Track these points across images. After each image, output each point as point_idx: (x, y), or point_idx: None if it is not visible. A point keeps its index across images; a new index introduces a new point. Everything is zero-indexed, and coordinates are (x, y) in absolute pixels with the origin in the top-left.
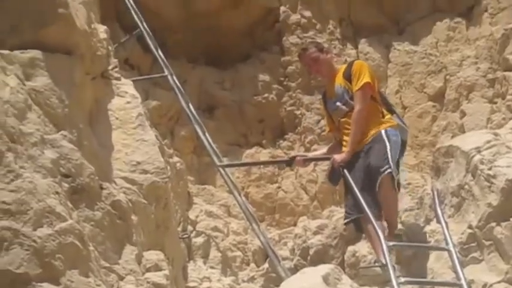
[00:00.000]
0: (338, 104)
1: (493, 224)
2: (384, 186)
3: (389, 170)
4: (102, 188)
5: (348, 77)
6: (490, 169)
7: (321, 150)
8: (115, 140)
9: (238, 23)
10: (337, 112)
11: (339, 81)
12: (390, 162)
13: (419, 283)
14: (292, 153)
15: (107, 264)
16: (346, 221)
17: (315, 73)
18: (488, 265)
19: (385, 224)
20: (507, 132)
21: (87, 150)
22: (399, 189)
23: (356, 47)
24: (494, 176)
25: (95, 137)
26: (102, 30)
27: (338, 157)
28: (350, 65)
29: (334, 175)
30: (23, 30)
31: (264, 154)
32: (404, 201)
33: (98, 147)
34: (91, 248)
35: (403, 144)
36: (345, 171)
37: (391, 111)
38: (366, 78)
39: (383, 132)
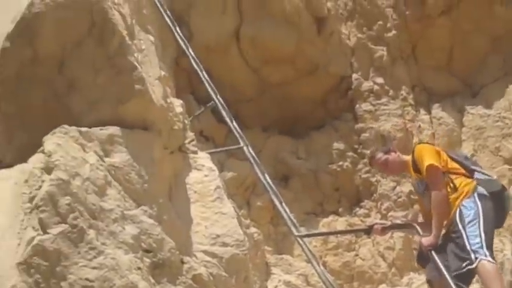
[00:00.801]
0: (425, 191)
1: None
2: (481, 278)
3: (473, 262)
4: (183, 262)
5: (416, 168)
6: None
7: (399, 217)
8: (194, 213)
9: (311, 92)
10: (426, 197)
11: (413, 175)
12: (472, 248)
13: None
14: (370, 221)
15: None
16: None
17: (391, 174)
18: None
19: None
20: None
21: (167, 224)
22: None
23: (429, 112)
24: None
25: (174, 211)
26: (178, 104)
27: (425, 241)
28: (412, 154)
29: (422, 257)
30: (101, 107)
31: (340, 222)
32: None
33: (178, 221)
34: None
35: (498, 195)
36: (433, 253)
37: (472, 171)
38: (427, 161)
39: (457, 213)
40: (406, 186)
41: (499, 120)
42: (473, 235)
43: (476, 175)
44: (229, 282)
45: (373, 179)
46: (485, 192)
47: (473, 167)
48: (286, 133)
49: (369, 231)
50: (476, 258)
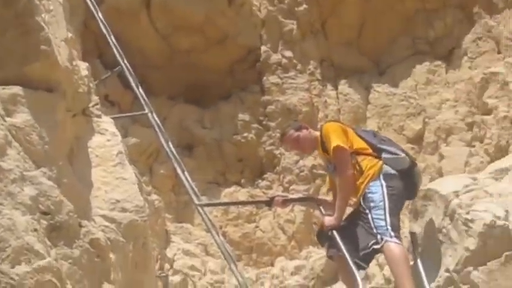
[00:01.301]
0: (334, 171)
1: (470, 268)
2: (386, 259)
3: (378, 242)
4: (81, 226)
5: (324, 148)
6: (467, 213)
7: (301, 191)
8: (95, 177)
9: (219, 62)
10: (335, 177)
11: (321, 154)
12: (378, 230)
13: None
14: (271, 194)
15: None
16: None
17: (302, 152)
18: None
19: None
20: (485, 177)
21: (66, 187)
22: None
23: (336, 88)
24: (471, 221)
25: (74, 175)
26: (83, 67)
27: (327, 221)
28: (321, 133)
29: (322, 235)
30: (6, 66)
31: (242, 193)
32: None
33: (78, 184)
34: (69, 286)
35: (407, 172)
36: (335, 233)
37: (379, 150)
38: (334, 142)
39: (363, 197)
40: (309, 161)
41: (404, 99)
42: (378, 218)
43: (384, 155)
44: (126, 247)
45: (277, 152)
46: (392, 171)
47: (380, 146)
48: (192, 102)
49: (270, 203)
50: (382, 239)
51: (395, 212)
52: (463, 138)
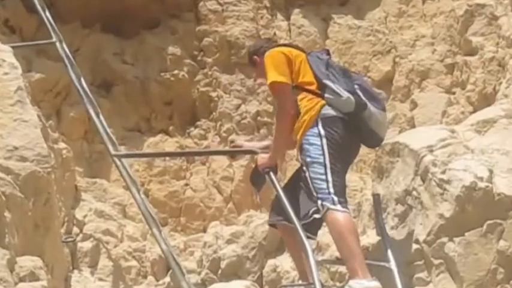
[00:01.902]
0: None
1: (445, 239)
2: (330, 232)
3: (319, 210)
4: None
5: None
6: (443, 173)
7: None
8: None
9: None
10: None
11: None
12: (318, 195)
13: None
14: (206, 144)
15: None
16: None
17: (258, 78)
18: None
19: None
20: (466, 129)
21: None
22: None
23: (288, 19)
24: (448, 182)
25: None
26: None
27: (260, 159)
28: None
29: (255, 177)
30: None
31: (170, 143)
32: None
33: None
34: None
35: (354, 116)
36: (272, 176)
37: (323, 86)
38: (270, 77)
39: (300, 149)
40: (253, 105)
41: (371, 34)
42: (318, 178)
43: (326, 94)
44: (25, 204)
45: (214, 94)
46: (333, 113)
47: (325, 81)
48: (111, 31)
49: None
50: (323, 206)
51: (339, 169)
52: (441, 83)
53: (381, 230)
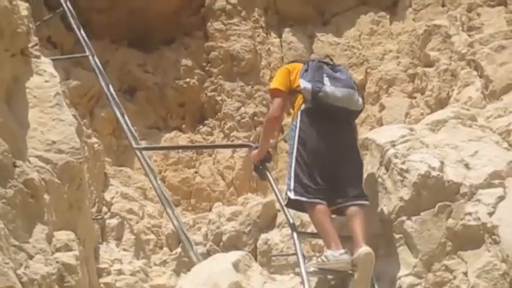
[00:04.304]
0: None
1: (404, 217)
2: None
3: (283, 200)
4: (15, 166)
5: None
6: (403, 163)
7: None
8: (31, 118)
9: (163, 6)
10: None
11: None
12: (286, 183)
13: (328, 273)
14: (212, 140)
15: (17, 243)
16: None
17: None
18: (397, 258)
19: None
20: (422, 128)
21: (2, 127)
22: None
23: (280, 36)
24: (407, 171)
25: (11, 115)
26: (23, 7)
27: (252, 154)
28: None
29: (258, 169)
30: None
31: (183, 139)
32: None
33: (14, 124)
34: (1, 225)
35: (317, 104)
36: (266, 166)
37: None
38: (271, 85)
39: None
40: (251, 108)
41: (348, 49)
42: (289, 165)
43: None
44: (61, 189)
45: (219, 98)
46: (306, 105)
47: (299, 80)
48: (135, 46)
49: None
50: (285, 194)
51: (306, 157)
52: (405, 90)
53: None
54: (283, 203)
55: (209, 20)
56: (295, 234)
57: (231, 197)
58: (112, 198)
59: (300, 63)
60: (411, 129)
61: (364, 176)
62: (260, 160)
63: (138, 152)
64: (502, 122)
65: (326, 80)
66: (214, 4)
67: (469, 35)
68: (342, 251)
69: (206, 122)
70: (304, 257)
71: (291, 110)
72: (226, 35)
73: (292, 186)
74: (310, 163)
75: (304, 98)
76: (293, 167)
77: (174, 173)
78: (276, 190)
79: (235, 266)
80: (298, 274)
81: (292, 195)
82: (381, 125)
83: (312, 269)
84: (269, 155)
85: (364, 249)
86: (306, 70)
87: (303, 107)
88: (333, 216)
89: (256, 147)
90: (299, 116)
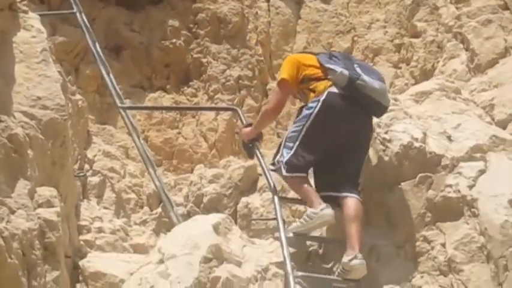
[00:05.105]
0: None
1: (385, 187)
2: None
3: (273, 165)
4: (0, 121)
5: None
6: (386, 133)
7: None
8: (17, 73)
9: None
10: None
11: None
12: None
13: (307, 238)
14: (196, 101)
15: None
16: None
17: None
18: (376, 227)
19: None
20: (407, 99)
21: None
22: None
23: (268, 1)
24: (389, 141)
25: None
26: None
27: (244, 132)
28: None
29: (247, 147)
30: None
31: (167, 99)
32: None
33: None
34: None
35: (350, 89)
36: (256, 147)
37: (327, 70)
38: (279, 75)
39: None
40: (236, 71)
41: (335, 16)
42: (291, 136)
43: (329, 75)
44: (45, 145)
45: (204, 60)
46: (336, 91)
47: (326, 65)
48: (122, 5)
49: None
50: (273, 164)
51: (319, 138)
52: (390, 59)
53: None
54: (270, 167)
55: None
56: (276, 199)
57: (213, 159)
58: (94, 156)
59: (309, 54)
60: (395, 100)
61: None
62: (250, 139)
63: (122, 111)
64: (486, 96)
65: (358, 70)
66: None
67: (457, 8)
68: (323, 205)
69: (191, 83)
70: (284, 222)
71: (299, 96)
72: None
73: (286, 160)
74: (316, 143)
75: (334, 83)
76: (296, 144)
77: (157, 133)
78: (265, 169)
79: (216, 228)
80: (278, 239)
81: (284, 172)
82: None
83: (291, 234)
84: (260, 134)
85: (359, 261)
86: (330, 58)
87: (332, 90)
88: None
89: (248, 125)
90: (325, 96)
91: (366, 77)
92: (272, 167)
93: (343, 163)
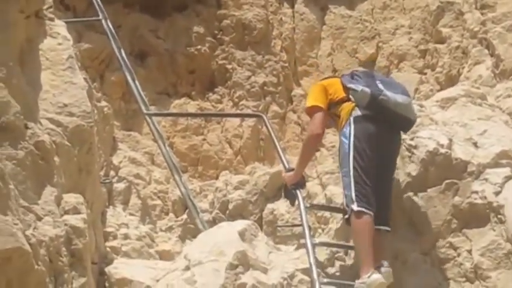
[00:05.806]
0: None
1: (410, 193)
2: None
3: (347, 213)
4: (26, 128)
5: None
6: (412, 139)
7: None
8: (44, 80)
9: None
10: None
11: None
12: (345, 197)
13: (334, 245)
14: (221, 108)
15: (26, 204)
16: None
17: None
18: (402, 234)
19: None
20: (432, 105)
21: (14, 88)
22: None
23: (292, 7)
24: (415, 147)
25: (24, 77)
26: None
27: (287, 177)
28: None
29: (286, 191)
30: None
31: (192, 105)
32: None
33: (26, 86)
34: (11, 186)
35: (375, 108)
36: (298, 194)
37: (348, 91)
38: (307, 103)
39: (339, 146)
40: (261, 77)
41: (360, 22)
42: (345, 176)
43: (350, 95)
44: (72, 152)
45: (229, 66)
46: (359, 113)
47: (348, 85)
48: (147, 12)
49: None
50: (347, 207)
51: (367, 166)
52: (415, 65)
53: None
54: (344, 216)
55: None
56: (302, 206)
57: (238, 165)
58: (120, 162)
59: (334, 78)
60: (421, 106)
61: None
62: (293, 184)
63: (147, 117)
64: None
65: (381, 86)
66: None
67: (482, 13)
68: (370, 271)
69: (216, 89)
70: (310, 228)
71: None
72: (238, 4)
73: (354, 197)
74: (367, 172)
75: (357, 104)
76: (352, 175)
77: (182, 139)
78: (304, 219)
79: (241, 235)
80: (303, 245)
81: (355, 207)
82: None
83: (317, 241)
84: (303, 179)
85: (387, 269)
86: (352, 77)
87: (356, 113)
88: None
89: (291, 170)
90: (352, 123)
91: (388, 92)
92: (345, 216)
93: (381, 189)
